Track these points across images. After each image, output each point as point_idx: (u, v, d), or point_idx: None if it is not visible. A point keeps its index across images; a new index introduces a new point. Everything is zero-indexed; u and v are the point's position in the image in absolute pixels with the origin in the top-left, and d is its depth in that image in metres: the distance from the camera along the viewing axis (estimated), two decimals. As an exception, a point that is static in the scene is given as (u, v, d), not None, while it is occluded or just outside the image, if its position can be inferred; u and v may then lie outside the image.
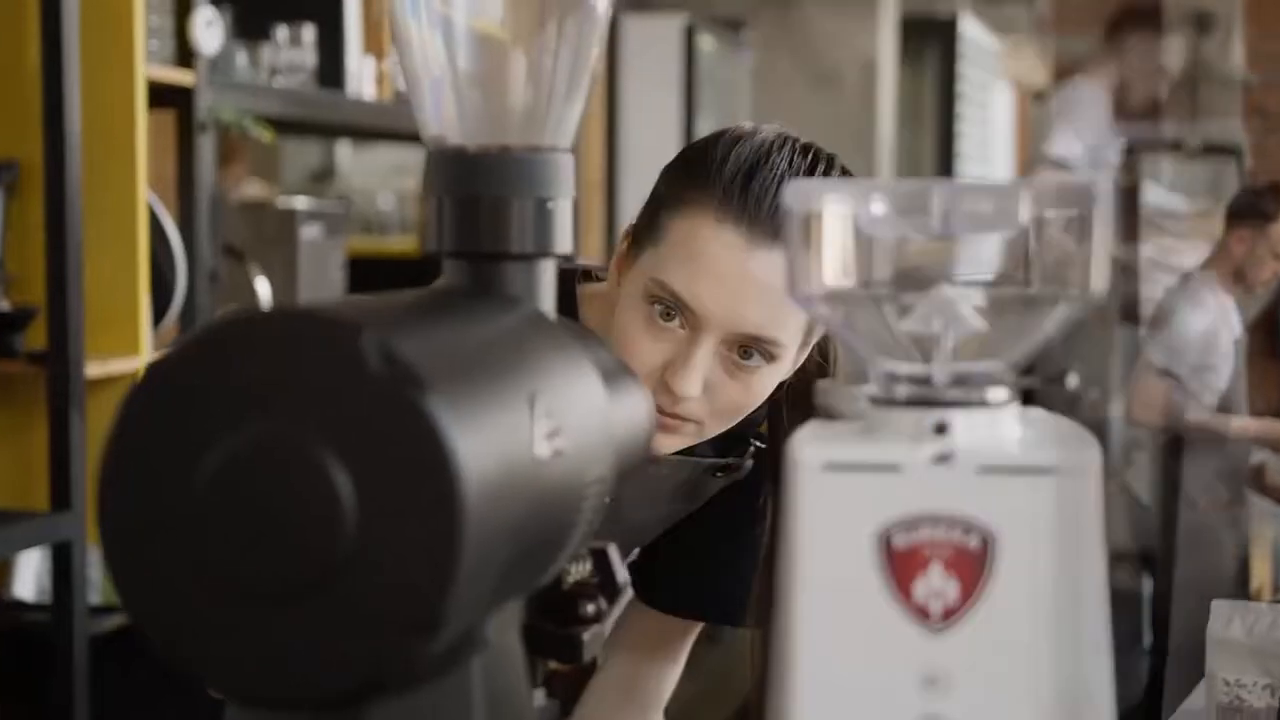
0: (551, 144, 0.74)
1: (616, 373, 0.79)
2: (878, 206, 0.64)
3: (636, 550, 1.46)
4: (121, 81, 2.32)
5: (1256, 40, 9.14)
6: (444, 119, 0.74)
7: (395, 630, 0.57)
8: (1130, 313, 4.82)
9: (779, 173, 1.19)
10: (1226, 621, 1.83)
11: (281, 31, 2.90)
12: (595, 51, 0.76)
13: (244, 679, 0.58)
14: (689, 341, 1.20)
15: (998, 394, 0.65)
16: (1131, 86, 4.48)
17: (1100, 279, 0.63)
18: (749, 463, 1.38)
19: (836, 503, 0.63)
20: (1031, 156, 4.62)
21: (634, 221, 1.27)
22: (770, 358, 1.21)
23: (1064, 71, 9.42)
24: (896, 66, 5.80)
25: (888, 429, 0.64)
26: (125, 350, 2.36)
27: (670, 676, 1.50)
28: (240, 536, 0.57)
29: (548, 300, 0.75)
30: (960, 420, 0.63)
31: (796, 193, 0.65)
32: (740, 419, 1.26)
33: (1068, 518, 0.62)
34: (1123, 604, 4.67)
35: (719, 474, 1.38)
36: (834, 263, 0.65)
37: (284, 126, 3.18)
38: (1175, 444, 4.35)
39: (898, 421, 0.64)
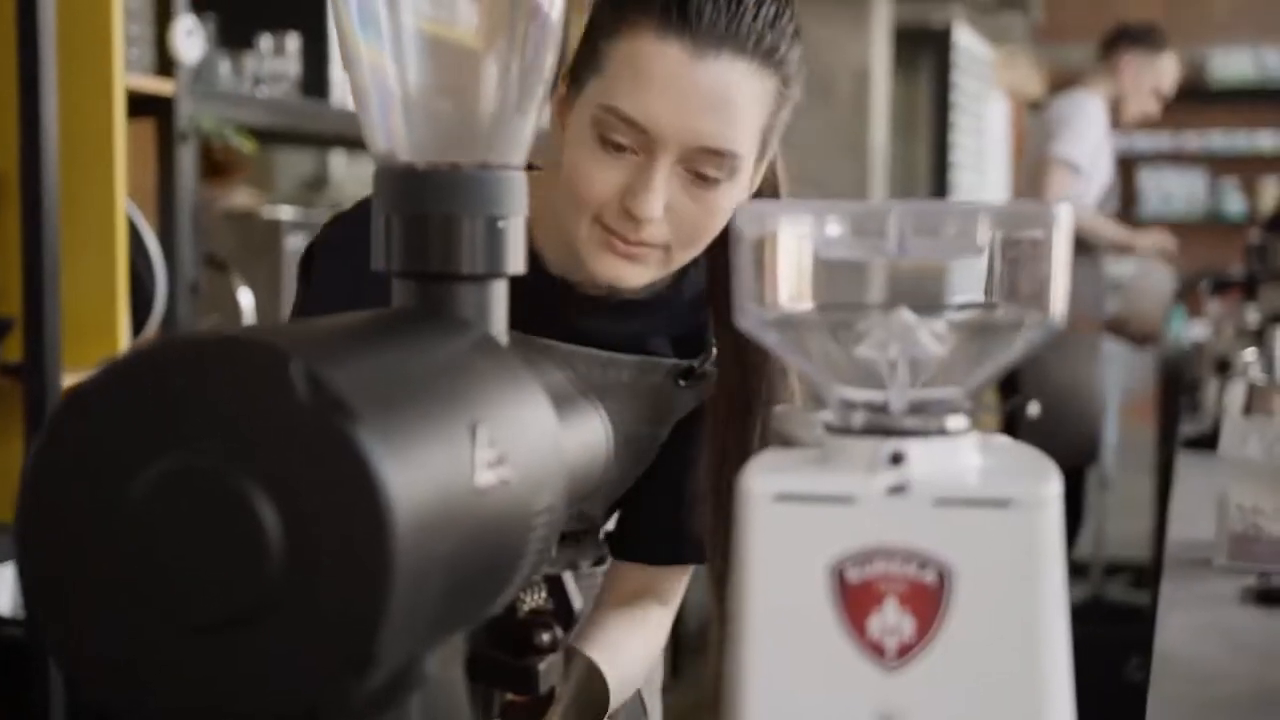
0: (503, 161, 0.72)
1: (570, 397, 0.77)
2: (833, 229, 0.62)
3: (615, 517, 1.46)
4: (100, 90, 2.30)
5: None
6: (393, 135, 0.72)
7: (325, 668, 0.54)
8: (1123, 329, 4.80)
9: None
10: (1240, 441, 1.69)
11: (265, 40, 2.88)
12: (549, 62, 0.74)
13: (168, 714, 0.56)
14: (645, 164, 1.19)
15: (957, 422, 0.63)
16: (1126, 103, 4.46)
17: (1061, 304, 0.61)
18: (712, 369, 1.37)
19: (788, 535, 0.61)
20: (1030, 160, 4.57)
21: (569, 63, 1.27)
22: (730, 172, 1.21)
23: (1058, 81, 9.44)
24: (890, 76, 5.78)
25: (843, 458, 0.62)
26: (103, 361, 2.33)
27: (665, 619, 1.46)
28: (164, 569, 0.55)
29: (499, 321, 0.72)
30: (917, 450, 0.61)
31: (748, 215, 0.63)
32: (706, 242, 1.25)
33: (1027, 551, 0.60)
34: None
35: (683, 382, 1.36)
36: (788, 286, 0.63)
37: (268, 136, 3.16)
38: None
39: (853, 451, 0.62)
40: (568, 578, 0.79)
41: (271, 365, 0.54)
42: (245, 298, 2.79)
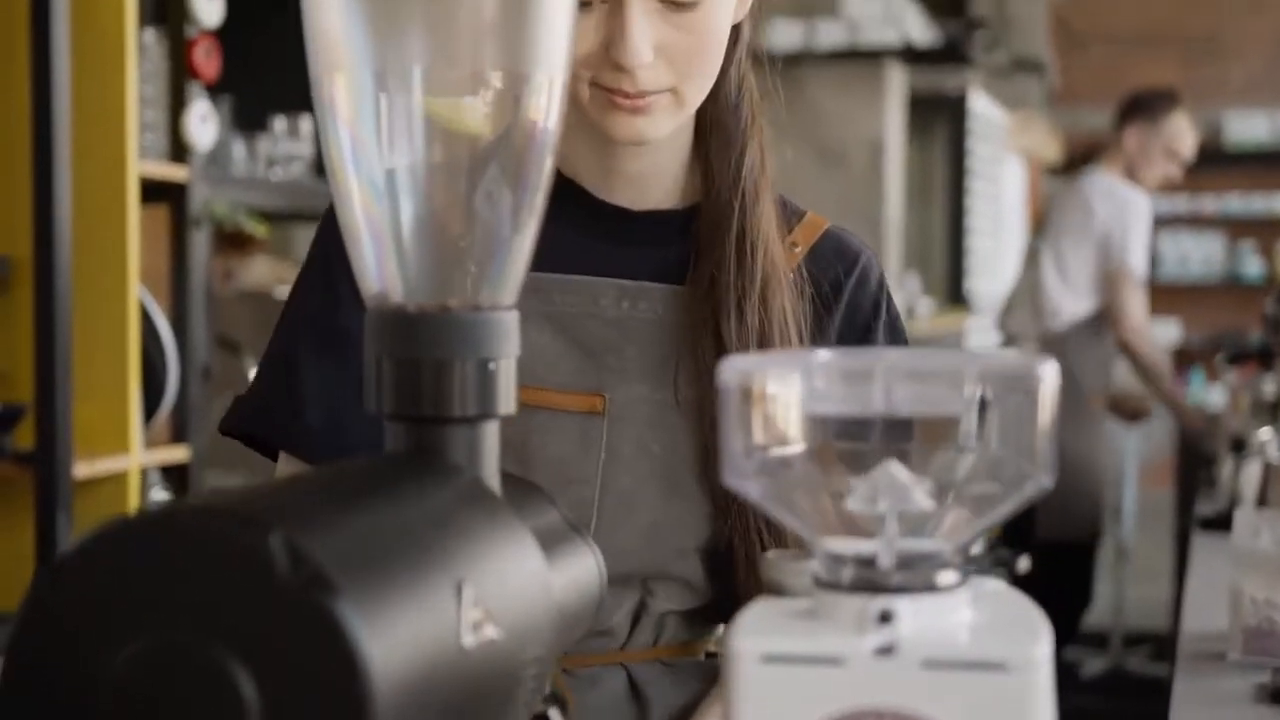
0: (493, 302, 0.72)
1: (561, 534, 0.76)
2: (820, 382, 0.62)
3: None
4: (114, 177, 2.31)
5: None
6: (385, 276, 0.72)
7: (306, 842, 0.54)
8: (1119, 407, 4.76)
9: None
10: (1253, 532, 1.67)
11: (279, 122, 2.90)
12: (540, 199, 0.74)
13: None
14: (615, 10, 1.13)
15: (946, 577, 0.62)
16: (1140, 172, 4.43)
17: (1049, 460, 0.61)
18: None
19: (777, 696, 0.60)
20: (1096, 263, 4.35)
21: None
22: None
23: (1075, 144, 9.44)
24: (904, 145, 5.80)
25: (831, 615, 0.62)
26: (115, 449, 2.33)
27: None
28: (145, 744, 0.54)
29: (490, 463, 0.72)
30: (906, 607, 0.60)
31: (733, 368, 0.62)
32: (714, 72, 1.18)
33: (1018, 715, 0.59)
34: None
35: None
36: (774, 439, 0.63)
37: (284, 215, 3.17)
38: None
39: (841, 607, 0.61)
40: (554, 714, 0.78)
41: (250, 539, 0.54)
42: (257, 379, 2.79)
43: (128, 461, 2.35)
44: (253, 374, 2.75)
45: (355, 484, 0.65)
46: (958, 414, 0.62)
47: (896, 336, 1.31)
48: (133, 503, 2.35)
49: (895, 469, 0.63)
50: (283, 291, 3.26)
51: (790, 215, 1.29)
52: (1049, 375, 0.60)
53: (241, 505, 0.55)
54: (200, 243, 2.53)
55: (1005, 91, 8.27)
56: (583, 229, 1.24)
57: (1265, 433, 2.89)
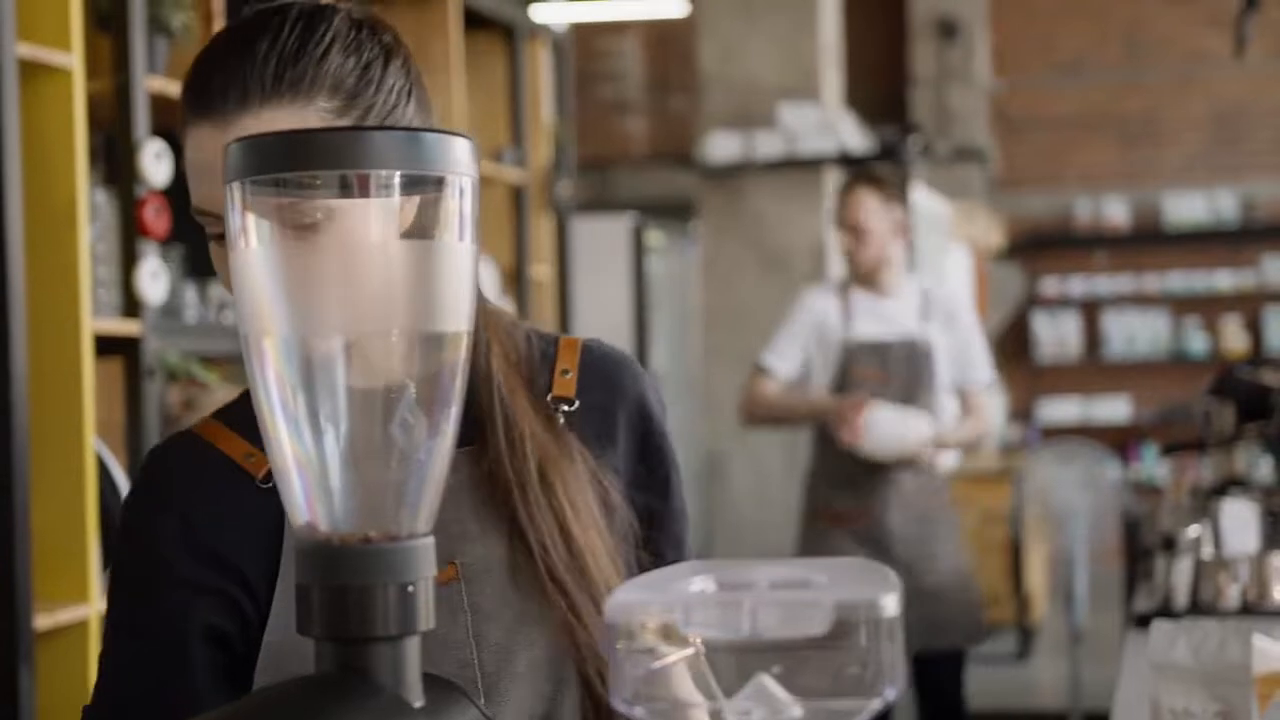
0: (410, 530, 0.81)
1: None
2: (695, 612, 0.70)
3: None
4: (68, 335, 2.39)
5: (1002, 47, 9.28)
6: (312, 509, 0.81)
7: None
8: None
9: (222, 48, 1.19)
10: (1170, 643, 1.73)
11: (229, 267, 2.98)
12: (450, 438, 0.83)
13: None
14: None
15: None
16: (853, 259, 4.06)
17: (897, 678, 0.69)
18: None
19: None
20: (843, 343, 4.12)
21: None
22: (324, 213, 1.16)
23: (1018, 229, 9.61)
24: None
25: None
26: (74, 598, 2.39)
27: None
28: None
29: (412, 675, 0.80)
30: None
31: (617, 605, 0.71)
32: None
33: None
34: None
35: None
36: (654, 662, 0.71)
37: (236, 357, 3.24)
38: None
39: (720, 812, 0.69)
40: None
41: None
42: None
43: (87, 610, 2.41)
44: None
45: (285, 711, 0.73)
46: (817, 634, 0.71)
47: (664, 438, 1.35)
48: (93, 652, 2.40)
49: (767, 682, 0.71)
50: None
51: (545, 345, 1.33)
52: (890, 603, 0.69)
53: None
54: (153, 393, 2.60)
55: (948, 181, 8.44)
56: None
57: (1194, 529, 2.97)
